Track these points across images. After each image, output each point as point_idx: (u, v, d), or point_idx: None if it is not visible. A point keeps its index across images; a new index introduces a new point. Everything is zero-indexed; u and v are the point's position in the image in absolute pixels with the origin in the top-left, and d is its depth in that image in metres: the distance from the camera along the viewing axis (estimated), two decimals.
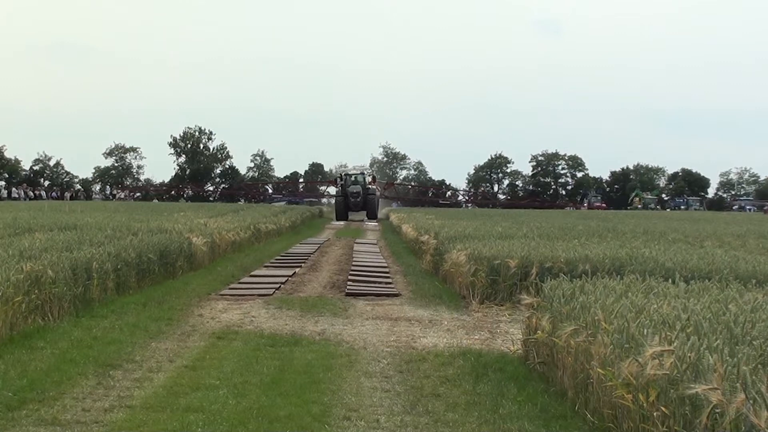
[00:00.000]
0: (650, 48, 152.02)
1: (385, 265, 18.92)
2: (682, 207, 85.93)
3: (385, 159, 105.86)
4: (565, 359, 6.89)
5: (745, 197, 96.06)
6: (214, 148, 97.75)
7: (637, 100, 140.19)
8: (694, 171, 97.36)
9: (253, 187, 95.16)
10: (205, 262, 17.54)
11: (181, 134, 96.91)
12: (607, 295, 7.22)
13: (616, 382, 5.47)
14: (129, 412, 6.28)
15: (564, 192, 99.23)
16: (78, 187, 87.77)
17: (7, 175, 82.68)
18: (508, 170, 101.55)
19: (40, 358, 7.92)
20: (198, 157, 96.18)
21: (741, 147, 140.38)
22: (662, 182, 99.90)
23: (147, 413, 6.24)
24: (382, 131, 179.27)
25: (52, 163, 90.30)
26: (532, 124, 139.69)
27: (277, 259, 19.72)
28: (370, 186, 53.32)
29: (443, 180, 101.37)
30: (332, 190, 70.87)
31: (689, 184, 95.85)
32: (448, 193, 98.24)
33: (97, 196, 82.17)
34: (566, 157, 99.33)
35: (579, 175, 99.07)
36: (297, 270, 17.15)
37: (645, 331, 5.67)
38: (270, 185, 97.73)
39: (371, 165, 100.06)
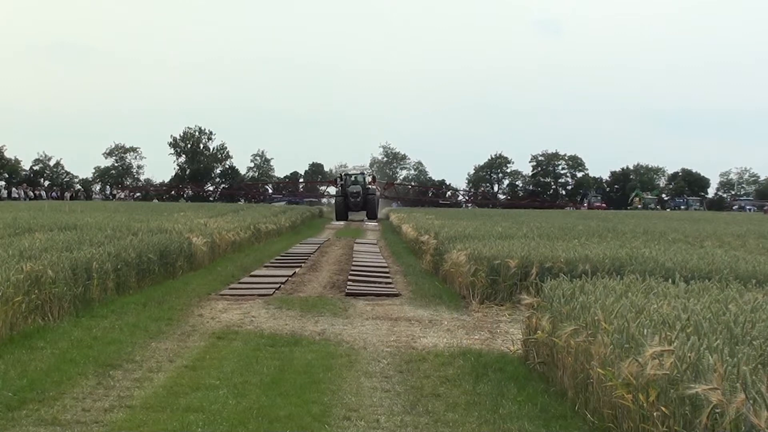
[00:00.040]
0: (650, 48, 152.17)
1: (385, 265, 18.92)
2: (682, 207, 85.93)
3: (385, 159, 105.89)
4: (565, 359, 6.89)
5: (745, 197, 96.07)
6: (214, 148, 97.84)
7: (637, 100, 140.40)
8: (694, 171, 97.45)
9: (253, 187, 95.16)
10: (205, 262, 17.54)
11: (181, 134, 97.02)
12: (607, 295, 7.22)
13: (616, 382, 5.47)
14: (129, 412, 6.28)
15: (564, 192, 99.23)
16: (78, 187, 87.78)
17: (7, 175, 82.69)
18: (508, 170, 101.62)
19: (40, 358, 7.92)
20: (198, 157, 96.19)
21: (741, 147, 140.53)
22: (662, 182, 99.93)
23: (147, 413, 6.24)
24: (382, 131, 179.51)
25: (52, 163, 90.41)
26: (532, 124, 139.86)
27: (277, 259, 19.72)
28: (370, 186, 53.32)
29: (443, 180, 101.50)
30: (332, 190, 70.89)
31: (689, 184, 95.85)
32: (448, 193, 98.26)
33: (97, 196, 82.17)
34: (566, 157, 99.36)
35: (579, 175, 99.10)
36: (297, 270, 17.15)
37: (645, 331, 5.67)
38: (270, 185, 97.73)
39: (371, 165, 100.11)
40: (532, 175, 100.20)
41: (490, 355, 8.60)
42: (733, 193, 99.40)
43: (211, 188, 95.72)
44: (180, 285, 14.02)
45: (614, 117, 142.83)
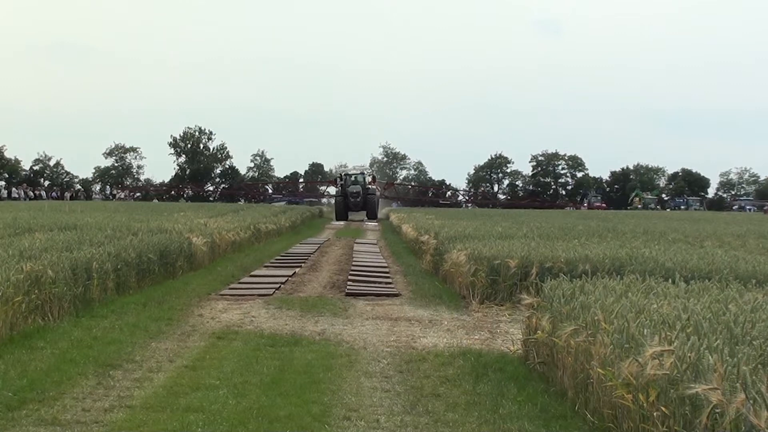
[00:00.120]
0: (650, 48, 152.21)
1: (385, 265, 18.92)
2: (682, 207, 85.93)
3: (385, 159, 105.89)
4: (565, 359, 6.89)
5: (745, 197, 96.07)
6: (214, 148, 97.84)
7: (637, 100, 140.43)
8: (694, 171, 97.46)
9: (253, 187, 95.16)
10: (205, 262, 17.54)
11: (181, 134, 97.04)
12: (607, 295, 7.22)
13: (616, 382, 5.47)
14: (129, 412, 6.28)
15: (564, 192, 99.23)
16: (78, 187, 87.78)
17: (7, 175, 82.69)
18: (508, 170, 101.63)
19: (40, 358, 7.92)
20: (198, 157, 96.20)
21: (741, 147, 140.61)
22: (662, 182, 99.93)
23: (147, 413, 6.24)
24: (382, 131, 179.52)
25: (52, 163, 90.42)
26: (532, 124, 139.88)
27: (277, 259, 19.72)
28: (370, 186, 53.31)
29: (443, 180, 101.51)
30: (332, 190, 70.86)
31: (689, 184, 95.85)
32: (448, 193, 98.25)
33: (97, 196, 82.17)
34: (566, 157, 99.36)
35: (579, 175, 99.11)
36: (297, 270, 17.15)
37: (645, 331, 5.67)
38: (270, 185, 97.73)
39: (371, 165, 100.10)
40: (532, 175, 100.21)
41: (490, 355, 8.60)
42: (733, 193, 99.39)
43: (211, 188, 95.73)
44: (180, 285, 14.02)
45: (614, 117, 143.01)
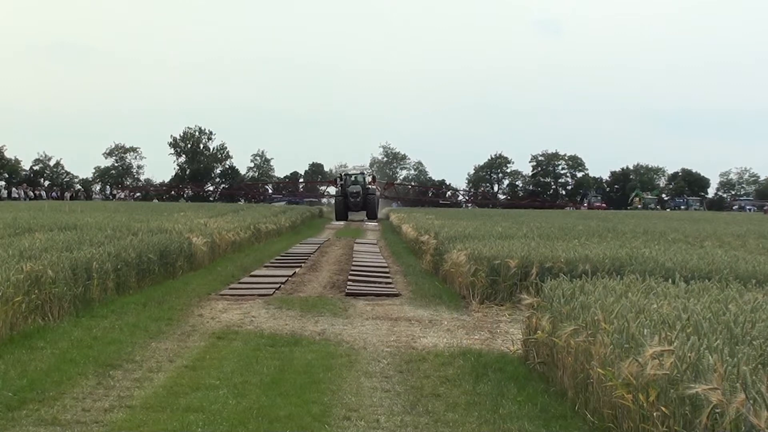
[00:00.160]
0: (650, 48, 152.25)
1: (385, 265, 18.92)
2: (682, 207, 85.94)
3: (385, 159, 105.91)
4: (565, 359, 6.89)
5: (745, 197, 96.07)
6: (214, 148, 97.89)
7: (637, 100, 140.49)
8: (694, 171, 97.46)
9: (253, 187, 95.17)
10: (205, 262, 17.54)
11: (181, 134, 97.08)
12: (607, 295, 7.22)
13: (616, 382, 5.47)
14: (129, 412, 6.28)
15: (564, 192, 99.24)
16: (78, 187, 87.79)
17: (7, 175, 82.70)
18: (508, 170, 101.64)
19: (40, 358, 7.92)
20: (198, 157, 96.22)
21: (741, 147, 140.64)
22: (662, 182, 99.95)
23: (147, 413, 6.24)
24: (382, 131, 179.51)
25: (52, 163, 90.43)
26: (532, 124, 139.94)
27: (277, 259, 19.72)
28: (370, 186, 53.30)
29: (443, 180, 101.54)
30: (332, 190, 70.86)
31: (689, 184, 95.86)
32: (448, 193, 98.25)
33: (97, 196, 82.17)
34: (566, 157, 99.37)
35: (579, 175, 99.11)
36: (297, 270, 17.15)
37: (645, 331, 5.67)
38: (270, 185, 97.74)
39: (371, 165, 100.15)
40: (532, 175, 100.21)
41: (490, 355, 8.60)
42: (733, 193, 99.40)
43: (211, 188, 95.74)
44: (180, 285, 14.02)
45: (614, 117, 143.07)
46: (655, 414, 4.98)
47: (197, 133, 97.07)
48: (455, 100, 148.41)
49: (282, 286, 14.32)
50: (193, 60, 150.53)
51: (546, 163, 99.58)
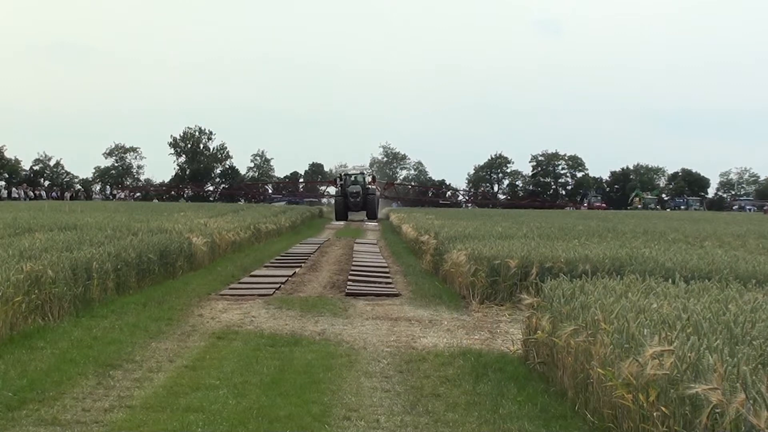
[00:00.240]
0: (650, 48, 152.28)
1: (385, 265, 18.92)
2: (682, 207, 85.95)
3: (385, 159, 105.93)
4: (565, 359, 6.89)
5: (745, 197, 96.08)
6: (214, 148, 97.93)
7: (637, 100, 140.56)
8: (694, 171, 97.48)
9: (253, 187, 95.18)
10: (205, 262, 17.54)
11: (181, 134, 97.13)
12: (607, 295, 7.22)
13: (616, 382, 5.47)
14: (129, 412, 6.28)
15: (564, 192, 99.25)
16: (78, 187, 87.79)
17: (7, 175, 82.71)
18: (508, 170, 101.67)
19: (40, 358, 7.92)
20: (198, 157, 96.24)
21: (741, 147, 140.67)
22: (662, 182, 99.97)
23: (147, 413, 6.24)
24: (382, 131, 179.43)
25: (52, 163, 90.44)
26: (532, 124, 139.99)
27: (277, 259, 19.72)
28: (369, 186, 53.28)
29: (443, 180, 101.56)
30: (332, 190, 70.84)
31: (689, 184, 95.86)
32: (448, 193, 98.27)
33: (97, 196, 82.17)
34: (566, 157, 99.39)
35: (579, 175, 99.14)
36: (297, 270, 17.15)
37: (645, 331, 5.67)
38: (270, 185, 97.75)
39: (371, 165, 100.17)
40: (532, 175, 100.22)
41: (490, 355, 8.60)
42: (733, 193, 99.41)
43: (211, 188, 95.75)
44: (180, 285, 14.02)
45: (614, 117, 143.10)
46: (655, 414, 4.98)
47: (197, 133, 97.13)
48: (455, 100, 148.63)
49: (282, 286, 14.32)
50: (193, 60, 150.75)
51: (546, 163, 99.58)
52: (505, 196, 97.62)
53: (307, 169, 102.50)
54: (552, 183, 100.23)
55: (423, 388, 7.23)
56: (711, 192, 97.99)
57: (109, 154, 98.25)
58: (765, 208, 78.92)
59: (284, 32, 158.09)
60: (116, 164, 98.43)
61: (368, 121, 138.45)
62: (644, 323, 5.87)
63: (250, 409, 6.36)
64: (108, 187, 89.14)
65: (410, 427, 6.10)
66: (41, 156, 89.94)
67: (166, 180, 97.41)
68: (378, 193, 59.29)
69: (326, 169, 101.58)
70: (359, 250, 23.40)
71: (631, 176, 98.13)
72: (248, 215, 31.82)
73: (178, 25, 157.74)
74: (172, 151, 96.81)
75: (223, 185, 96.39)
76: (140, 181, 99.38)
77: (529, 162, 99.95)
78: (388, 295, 13.33)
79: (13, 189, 70.82)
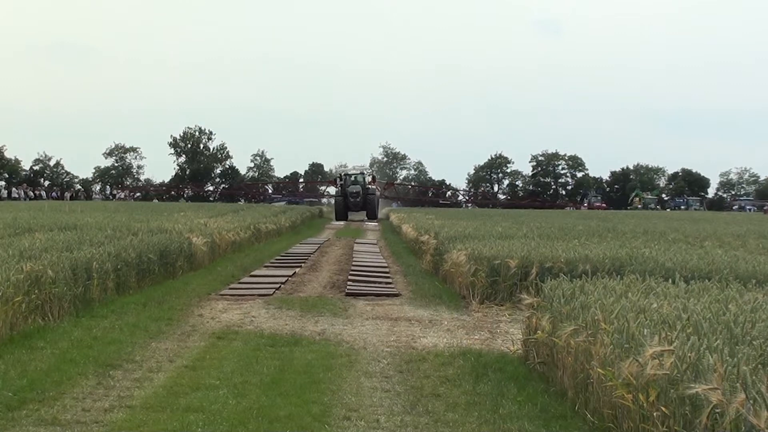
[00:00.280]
0: (650, 48, 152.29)
1: (385, 265, 18.92)
2: (682, 207, 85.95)
3: (385, 159, 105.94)
4: (565, 359, 6.89)
5: (745, 197, 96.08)
6: (214, 148, 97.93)
7: (637, 100, 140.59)
8: (694, 171, 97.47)
9: (253, 187, 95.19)
10: (205, 262, 17.54)
11: (181, 134, 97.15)
12: (607, 295, 7.22)
13: (616, 382, 5.47)
14: (129, 412, 6.28)
15: (564, 192, 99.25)
16: (78, 187, 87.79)
17: (7, 175, 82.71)
18: (508, 170, 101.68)
19: (40, 358, 7.92)
20: (198, 157, 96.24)
21: (741, 147, 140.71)
22: (662, 182, 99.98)
23: (147, 413, 6.24)
24: (382, 131, 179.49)
25: (52, 163, 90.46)
26: (532, 124, 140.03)
27: (277, 259, 19.72)
28: (369, 186, 53.27)
29: (443, 180, 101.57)
30: (332, 190, 70.84)
31: (689, 184, 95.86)
32: (448, 193, 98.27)
33: (97, 196, 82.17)
34: (566, 157, 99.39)
35: (579, 175, 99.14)
36: (297, 270, 17.15)
37: (645, 331, 5.67)
38: (270, 185, 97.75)
39: (371, 165, 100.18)
40: (532, 175, 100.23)
41: (490, 355, 8.60)
42: (733, 193, 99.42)
43: (211, 188, 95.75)
44: (180, 285, 14.02)
45: (614, 117, 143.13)
46: (655, 414, 4.98)
47: (197, 133, 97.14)
48: (455, 100, 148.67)
49: (282, 286, 14.32)
50: (193, 60, 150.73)
51: (546, 163, 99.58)
52: (505, 196, 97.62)
53: (307, 169, 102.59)
54: (552, 183, 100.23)
55: (423, 388, 7.23)
56: (711, 192, 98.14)
57: (109, 154, 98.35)
58: (765, 208, 78.92)
59: (284, 32, 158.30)
60: (116, 164, 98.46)
61: (368, 121, 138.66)
62: (644, 323, 5.87)
63: (250, 409, 6.36)
64: (108, 187, 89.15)
65: (410, 427, 6.10)
66: (41, 156, 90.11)
67: (166, 180, 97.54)
68: (378, 193, 59.28)
69: (326, 169, 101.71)
70: (359, 250, 23.40)
71: (631, 176, 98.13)
72: (248, 215, 31.82)
73: (178, 25, 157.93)
74: (172, 151, 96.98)
75: (223, 185, 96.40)
76: (140, 181, 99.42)
77: (529, 162, 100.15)
78: (388, 295, 13.33)
79: (13, 189, 70.82)
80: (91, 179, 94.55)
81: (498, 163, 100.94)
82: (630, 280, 8.58)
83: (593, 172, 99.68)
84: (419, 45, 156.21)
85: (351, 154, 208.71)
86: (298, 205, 64.94)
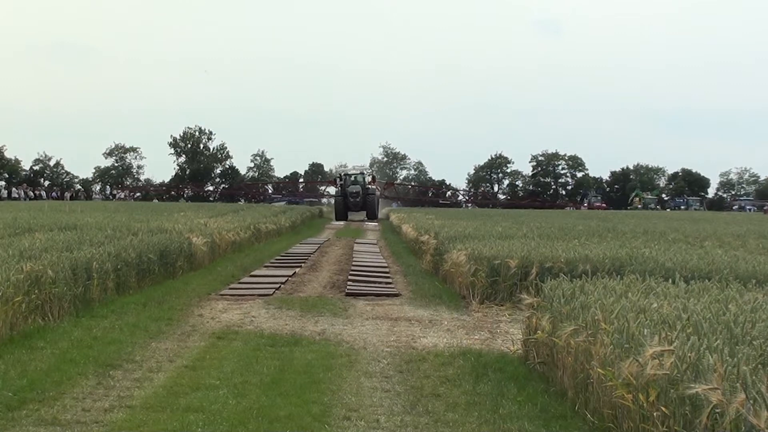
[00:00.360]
0: (650, 48, 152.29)
1: (385, 265, 18.92)
2: (682, 207, 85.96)
3: (385, 159, 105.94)
4: (565, 359, 6.89)
5: (745, 197, 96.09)
6: (214, 148, 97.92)
7: (637, 100, 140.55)
8: (694, 171, 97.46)
9: (253, 187, 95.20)
10: (205, 262, 17.54)
11: (181, 134, 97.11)
12: (607, 295, 7.22)
13: (616, 382, 5.47)
14: (129, 412, 6.28)
15: (564, 192, 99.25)
16: (78, 187, 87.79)
17: (7, 175, 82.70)
18: (508, 170, 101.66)
19: (40, 358, 7.92)
20: (198, 157, 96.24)
21: (741, 147, 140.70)
22: (662, 182, 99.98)
23: (147, 413, 6.24)
24: (382, 131, 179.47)
25: (52, 163, 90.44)
26: (532, 124, 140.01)
27: (277, 259, 19.72)
28: (369, 186, 53.26)
29: (443, 180, 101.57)
30: (332, 190, 70.83)
31: (689, 184, 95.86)
32: (448, 193, 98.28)
33: (97, 196, 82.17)
34: (566, 157, 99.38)
35: (579, 175, 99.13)
36: (297, 270, 17.15)
37: (645, 331, 5.67)
38: (270, 185, 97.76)
39: (371, 165, 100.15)
40: (532, 175, 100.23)
41: (490, 355, 8.60)
42: (733, 193, 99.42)
43: (211, 188, 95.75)
44: (180, 285, 14.02)
45: (614, 117, 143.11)
46: (655, 414, 4.98)
47: (197, 133, 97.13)
48: (455, 100, 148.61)
49: (282, 286, 14.32)
50: (193, 60, 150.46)
51: (546, 163, 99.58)
52: (505, 196, 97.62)
53: (307, 169, 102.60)
54: (552, 183, 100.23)
55: (423, 388, 7.23)
56: (711, 192, 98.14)
57: (109, 154, 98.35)
58: (765, 208, 78.92)
59: (284, 32, 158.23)
60: (116, 164, 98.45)
61: (368, 121, 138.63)
62: (644, 323, 5.87)
63: (250, 409, 6.37)
64: (108, 187, 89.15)
65: (410, 427, 6.10)
66: (41, 156, 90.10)
67: (166, 180, 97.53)
68: (378, 193, 59.27)
69: (326, 169, 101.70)
70: (359, 250, 23.40)
71: (631, 176, 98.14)
72: (248, 215, 31.82)
73: (178, 25, 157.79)
74: (172, 151, 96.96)
75: (223, 185, 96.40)
76: (140, 181, 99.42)
77: (529, 162, 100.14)
78: (388, 295, 13.33)
79: (13, 189, 70.82)
80: (91, 179, 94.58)
81: (498, 163, 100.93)
82: (630, 280, 8.58)
83: (593, 172, 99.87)
84: (419, 45, 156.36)
85: (351, 154, 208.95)
86: (298, 205, 64.93)
